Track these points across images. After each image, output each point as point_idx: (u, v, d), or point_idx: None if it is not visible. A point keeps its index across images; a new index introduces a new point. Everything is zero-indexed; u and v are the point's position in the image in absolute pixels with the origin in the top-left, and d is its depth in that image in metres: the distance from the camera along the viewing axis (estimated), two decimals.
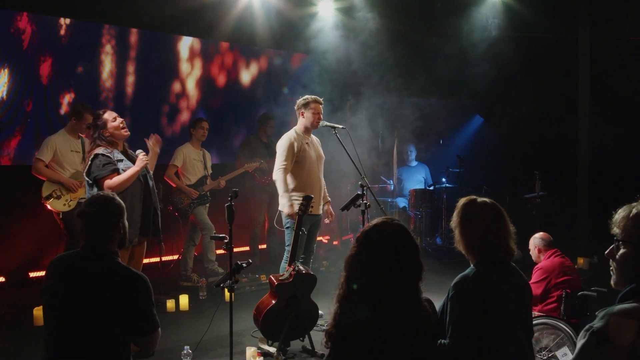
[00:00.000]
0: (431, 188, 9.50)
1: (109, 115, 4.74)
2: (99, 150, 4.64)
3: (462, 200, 3.11)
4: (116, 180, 4.54)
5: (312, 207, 5.23)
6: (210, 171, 7.54)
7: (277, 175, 5.65)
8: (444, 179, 9.56)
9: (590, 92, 9.25)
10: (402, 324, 2.40)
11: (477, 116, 11.22)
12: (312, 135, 5.92)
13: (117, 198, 3.05)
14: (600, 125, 9.21)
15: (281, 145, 5.70)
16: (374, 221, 2.57)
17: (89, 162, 4.63)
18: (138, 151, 4.73)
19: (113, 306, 2.76)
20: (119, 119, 4.74)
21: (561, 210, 9.08)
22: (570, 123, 9.53)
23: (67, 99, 7.44)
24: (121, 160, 4.65)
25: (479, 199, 3.07)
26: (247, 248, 8.49)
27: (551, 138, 9.99)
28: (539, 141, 10.15)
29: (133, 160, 4.72)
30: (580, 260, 8.16)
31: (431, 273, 7.02)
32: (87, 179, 4.66)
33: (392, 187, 9.66)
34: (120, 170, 4.60)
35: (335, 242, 9.77)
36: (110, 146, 4.68)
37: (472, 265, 3.00)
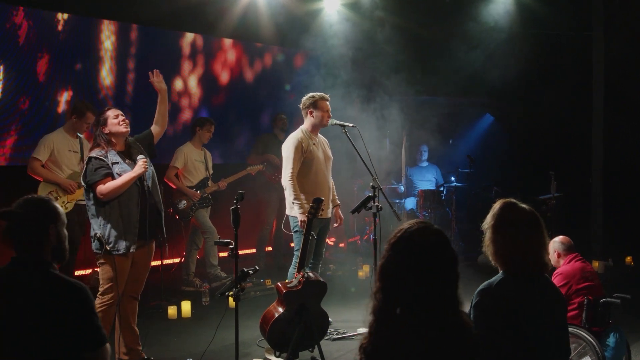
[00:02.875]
0: (441, 189, 9.31)
1: (111, 112, 4.47)
2: (93, 152, 4.39)
3: (499, 203, 2.89)
4: (109, 185, 4.27)
5: (322, 210, 4.98)
6: (211, 172, 7.32)
7: (286, 182, 5.38)
8: (453, 179, 9.36)
9: (604, 90, 9.05)
10: (444, 338, 2.16)
11: (488, 115, 11.05)
12: (319, 135, 5.68)
13: (54, 202, 2.73)
14: (615, 123, 9.03)
15: (287, 148, 5.45)
16: (409, 225, 2.29)
17: (84, 166, 4.40)
18: (139, 156, 4.45)
19: (50, 322, 2.47)
20: (121, 117, 4.48)
21: (576, 212, 8.88)
22: (584, 121, 9.34)
23: (65, 96, 7.23)
24: (117, 163, 4.38)
25: (520, 205, 2.85)
26: (254, 250, 8.26)
27: (564, 137, 9.82)
28: (552, 141, 9.98)
29: (134, 162, 4.44)
30: (595, 264, 7.96)
31: None
32: (82, 183, 4.42)
33: (402, 190, 9.45)
34: (115, 174, 4.33)
35: (341, 245, 9.59)
36: (108, 146, 4.42)
37: (500, 272, 2.82)
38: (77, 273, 6.85)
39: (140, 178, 4.41)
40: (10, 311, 2.49)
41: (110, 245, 4.25)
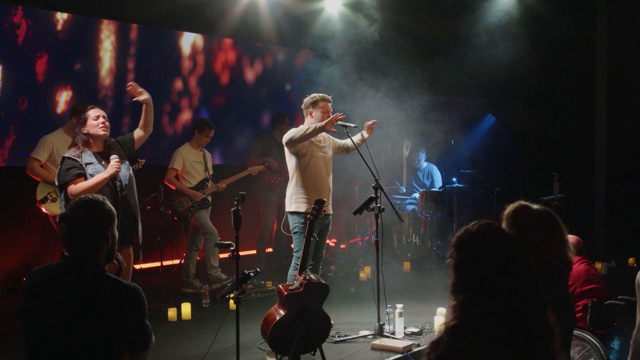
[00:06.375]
0: (441, 189, 9.26)
1: (93, 112, 4.42)
2: (68, 152, 4.35)
3: (511, 208, 2.79)
4: (80, 186, 4.22)
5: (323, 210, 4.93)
6: (211, 172, 7.25)
7: (292, 130, 5.36)
8: (454, 180, 9.30)
9: (607, 90, 8.99)
10: (529, 340, 2.07)
11: (489, 115, 10.99)
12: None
13: (108, 203, 2.71)
14: (618, 124, 8.97)
15: (292, 130, 5.42)
16: (483, 225, 2.19)
17: (59, 166, 4.34)
18: (112, 156, 4.37)
19: (103, 324, 2.46)
20: (101, 119, 4.40)
21: (578, 213, 8.82)
22: (587, 122, 9.28)
23: (64, 97, 7.18)
24: (91, 163, 4.31)
25: (533, 206, 2.77)
26: (254, 252, 8.19)
27: (567, 138, 9.76)
28: (555, 141, 9.92)
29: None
30: (598, 265, 7.90)
31: (445, 277, 6.83)
32: (56, 183, 4.37)
33: (404, 190, 9.39)
34: (88, 175, 4.27)
35: (342, 246, 9.53)
36: (85, 146, 4.36)
37: None
38: None
39: (113, 179, 4.34)
40: (65, 312, 2.48)
41: None
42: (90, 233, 2.60)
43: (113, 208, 2.73)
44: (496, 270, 2.07)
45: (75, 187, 4.19)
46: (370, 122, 5.72)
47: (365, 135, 5.70)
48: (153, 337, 2.65)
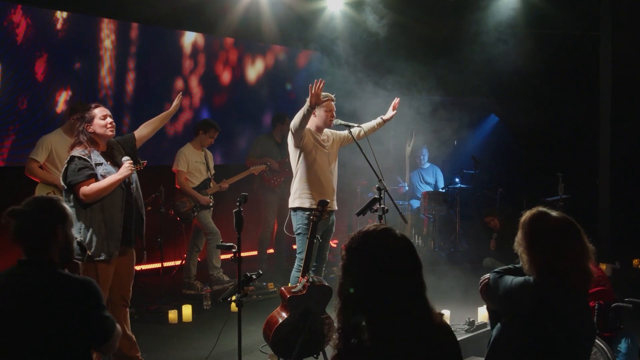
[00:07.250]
0: (444, 190, 9.19)
1: (99, 111, 4.28)
2: (75, 152, 4.19)
3: (528, 215, 2.70)
4: (93, 187, 4.08)
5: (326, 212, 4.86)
6: (213, 172, 7.20)
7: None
8: (457, 180, 9.24)
9: (611, 90, 8.93)
10: (417, 343, 2.07)
11: (493, 115, 10.94)
12: (325, 131, 5.58)
13: (63, 203, 2.70)
14: (622, 124, 8.91)
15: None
16: (372, 227, 2.20)
17: (65, 165, 4.20)
18: (124, 158, 4.28)
19: (60, 321, 2.47)
20: (109, 119, 4.29)
21: (582, 214, 8.77)
22: (591, 122, 9.23)
23: (64, 96, 7.12)
24: (100, 164, 4.19)
25: (551, 213, 2.67)
26: (255, 252, 8.13)
27: (571, 138, 9.70)
28: (558, 141, 9.86)
29: (116, 164, 4.27)
30: (603, 267, 7.84)
31: (449, 279, 6.79)
32: (62, 183, 4.22)
33: (406, 189, 9.33)
34: (99, 176, 4.15)
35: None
36: (90, 145, 4.23)
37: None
38: None
39: (125, 181, 4.25)
40: (19, 313, 2.49)
41: (92, 251, 4.07)
42: (37, 230, 2.59)
43: (67, 208, 2.71)
44: (382, 272, 2.07)
45: (89, 188, 4.08)
46: (395, 101, 5.80)
47: (390, 113, 5.82)
48: (118, 326, 2.65)
